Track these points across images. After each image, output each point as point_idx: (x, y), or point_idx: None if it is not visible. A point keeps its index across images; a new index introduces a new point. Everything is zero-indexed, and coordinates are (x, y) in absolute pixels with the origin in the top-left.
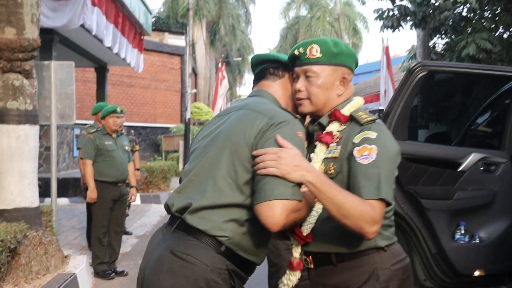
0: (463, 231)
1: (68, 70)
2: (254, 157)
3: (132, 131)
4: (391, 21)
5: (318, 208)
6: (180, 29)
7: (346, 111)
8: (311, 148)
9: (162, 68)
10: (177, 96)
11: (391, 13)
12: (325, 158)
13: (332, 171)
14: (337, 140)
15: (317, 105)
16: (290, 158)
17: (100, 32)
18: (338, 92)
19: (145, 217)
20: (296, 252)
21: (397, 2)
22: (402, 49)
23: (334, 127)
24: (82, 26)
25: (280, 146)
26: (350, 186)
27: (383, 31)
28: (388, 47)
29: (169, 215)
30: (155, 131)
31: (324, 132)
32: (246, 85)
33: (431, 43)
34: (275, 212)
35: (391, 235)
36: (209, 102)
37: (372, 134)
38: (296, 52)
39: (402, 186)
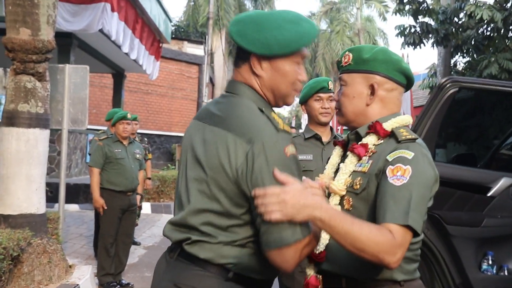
0: (490, 262)
1: (83, 74)
2: (244, 192)
3: (146, 139)
4: (413, 38)
5: None
6: (200, 38)
7: (388, 125)
8: (343, 157)
9: (179, 77)
10: (194, 105)
11: (413, 29)
12: (354, 171)
13: (358, 186)
14: (371, 154)
15: (346, 116)
16: (295, 199)
17: (118, 38)
18: (368, 101)
19: (155, 227)
20: (310, 271)
21: (420, 19)
22: (422, 66)
23: (370, 140)
24: (101, 31)
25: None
26: (376, 206)
27: (404, 48)
28: (409, 64)
29: None
30: (170, 140)
31: (360, 143)
32: None
33: (452, 62)
34: (288, 257)
35: (413, 270)
36: None
37: (409, 154)
38: (337, 61)
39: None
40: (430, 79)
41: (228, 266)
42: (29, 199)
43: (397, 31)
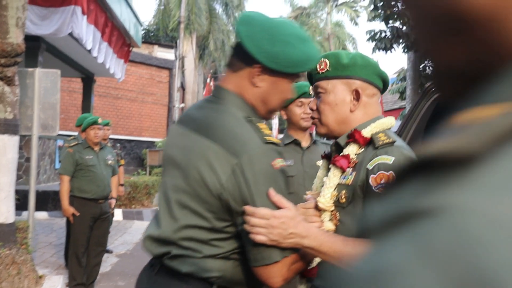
0: None
1: (54, 79)
2: (230, 207)
3: (118, 144)
4: (384, 43)
5: None
6: (170, 43)
7: (367, 132)
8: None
9: (150, 81)
10: (164, 110)
11: (383, 34)
12: (339, 184)
13: (344, 199)
14: (353, 164)
15: (328, 125)
16: (284, 226)
17: (87, 42)
18: (352, 107)
19: (127, 234)
20: (302, 287)
21: (390, 24)
22: (391, 70)
23: (352, 150)
24: (70, 34)
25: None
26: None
27: (375, 52)
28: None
29: None
30: (140, 145)
31: (341, 154)
32: None
33: (421, 66)
34: (275, 273)
35: None
36: None
37: (389, 159)
38: (309, 70)
39: None
40: (400, 83)
41: (212, 279)
42: None
43: (368, 36)
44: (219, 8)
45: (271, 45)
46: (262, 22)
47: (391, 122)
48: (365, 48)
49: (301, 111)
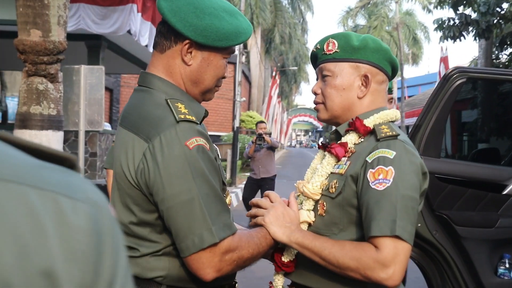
0: (507, 265)
1: (98, 75)
2: (147, 196)
3: None
4: (452, 31)
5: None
6: None
7: (370, 121)
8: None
9: None
10: (230, 104)
11: (451, 22)
12: (332, 173)
13: (334, 189)
14: (350, 154)
15: (332, 111)
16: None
17: (143, 38)
18: (359, 93)
19: None
20: (278, 281)
21: (460, 10)
22: (465, 59)
23: (350, 139)
24: (129, 32)
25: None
26: (350, 212)
27: (442, 42)
28: (447, 57)
29: None
30: None
31: (338, 142)
32: (302, 95)
33: (494, 54)
34: (203, 263)
35: None
36: (262, 110)
37: (390, 153)
38: (314, 49)
39: (434, 210)
40: None
41: (158, 279)
42: None
43: (435, 25)
44: (284, 1)
45: (198, 18)
46: None
47: (396, 115)
48: (436, 37)
49: None
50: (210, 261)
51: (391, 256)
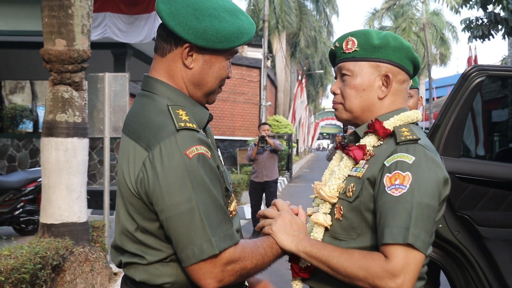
0: None
1: (122, 82)
2: (148, 204)
3: None
4: (481, 30)
5: (318, 237)
6: (259, 42)
7: (390, 124)
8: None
9: (241, 81)
10: (256, 109)
11: (479, 21)
12: (349, 176)
13: (351, 193)
14: (369, 157)
15: (352, 111)
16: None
17: None
18: (380, 94)
19: None
20: (296, 286)
21: (488, 9)
22: (495, 59)
23: (369, 141)
24: (154, 39)
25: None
26: (367, 217)
27: (471, 42)
28: (477, 57)
29: None
30: (233, 144)
31: (357, 144)
32: (329, 98)
33: None
34: (204, 274)
35: None
36: (288, 114)
37: (409, 158)
38: (332, 47)
39: (455, 210)
40: None
41: (166, 285)
42: (70, 208)
43: (463, 26)
44: (309, 5)
45: (197, 20)
46: None
47: (417, 116)
48: (465, 37)
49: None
50: (211, 271)
51: (401, 265)
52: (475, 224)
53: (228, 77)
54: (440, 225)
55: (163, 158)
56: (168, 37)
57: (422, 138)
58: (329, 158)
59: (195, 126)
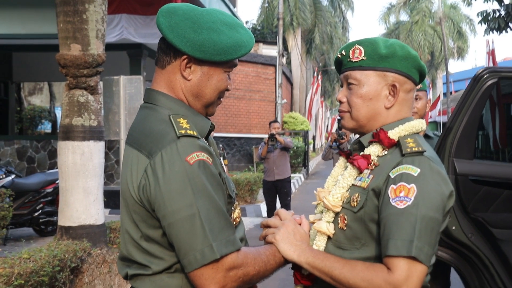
0: None
1: (137, 85)
2: (150, 212)
3: (221, 145)
4: (497, 23)
5: (321, 246)
6: (275, 39)
7: (394, 133)
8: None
9: (256, 79)
10: (272, 106)
11: (497, 14)
12: (353, 185)
13: (356, 203)
14: (373, 167)
15: (358, 120)
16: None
17: None
18: (387, 104)
19: None
20: None
21: (505, 2)
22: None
23: (374, 151)
24: None
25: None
26: (370, 228)
27: (487, 34)
28: (494, 50)
29: None
30: (250, 142)
31: (361, 154)
32: None
33: None
34: (206, 279)
35: None
36: (305, 111)
37: (414, 170)
38: (339, 55)
39: (469, 212)
40: None
41: None
42: (87, 210)
43: (480, 18)
44: (324, 1)
45: (195, 33)
46: (186, 11)
47: (422, 126)
48: (482, 29)
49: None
50: (213, 277)
51: (403, 278)
52: (489, 226)
53: (227, 90)
54: (454, 227)
55: (164, 165)
56: (167, 50)
57: (427, 150)
58: (325, 158)
59: (195, 133)
